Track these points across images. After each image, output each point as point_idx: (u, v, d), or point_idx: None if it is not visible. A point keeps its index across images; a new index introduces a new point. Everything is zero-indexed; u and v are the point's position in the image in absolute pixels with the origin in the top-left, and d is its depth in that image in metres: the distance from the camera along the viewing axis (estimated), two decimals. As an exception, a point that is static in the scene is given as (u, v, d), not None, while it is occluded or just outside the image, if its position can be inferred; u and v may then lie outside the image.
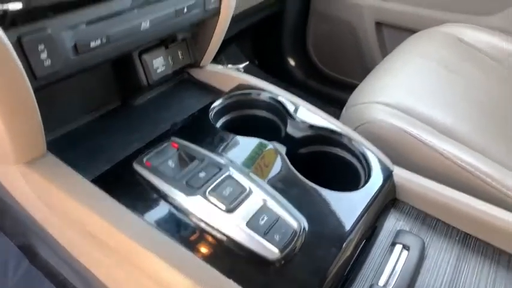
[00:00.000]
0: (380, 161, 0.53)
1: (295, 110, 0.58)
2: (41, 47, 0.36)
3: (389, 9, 1.12)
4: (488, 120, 0.69)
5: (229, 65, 1.41)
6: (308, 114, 0.58)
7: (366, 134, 0.59)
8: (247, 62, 1.43)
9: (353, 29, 1.20)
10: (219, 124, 0.59)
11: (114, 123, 0.56)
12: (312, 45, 1.34)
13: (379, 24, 1.16)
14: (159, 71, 0.58)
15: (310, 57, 1.35)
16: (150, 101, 0.60)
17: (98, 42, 0.41)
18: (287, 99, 0.60)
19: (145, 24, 0.46)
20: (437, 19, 1.04)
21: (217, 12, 0.57)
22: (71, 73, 0.41)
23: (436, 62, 0.79)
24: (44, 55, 0.37)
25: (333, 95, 1.33)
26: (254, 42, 1.38)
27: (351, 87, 1.28)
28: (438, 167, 0.56)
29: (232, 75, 0.64)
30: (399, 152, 0.58)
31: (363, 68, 1.26)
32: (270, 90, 0.61)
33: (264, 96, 0.60)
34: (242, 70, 1.44)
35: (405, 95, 0.68)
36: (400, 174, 0.53)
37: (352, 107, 0.67)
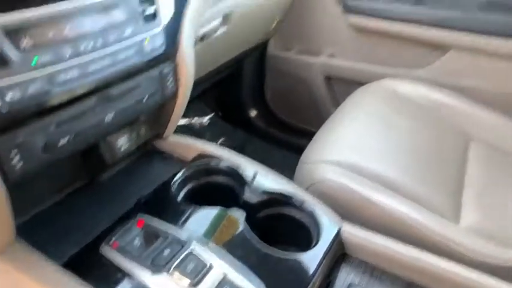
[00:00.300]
0: (329, 219, 0.59)
1: (252, 177, 0.64)
2: (14, 152, 0.40)
3: (336, 66, 1.24)
4: (425, 170, 0.77)
5: (196, 118, 1.48)
6: (263, 179, 0.64)
7: (317, 193, 0.65)
8: (212, 114, 1.50)
9: (306, 83, 1.31)
10: (183, 193, 0.64)
11: (82, 202, 0.59)
12: (270, 98, 1.44)
13: (328, 78, 1.27)
14: (123, 148, 0.63)
15: (269, 108, 1.44)
16: (116, 176, 0.64)
17: (66, 139, 0.46)
18: (244, 165, 0.66)
19: (109, 117, 0.51)
20: (377, 72, 1.16)
21: (175, 94, 0.63)
22: (40, 170, 0.45)
23: (377, 117, 0.89)
24: (16, 160, 0.41)
25: (292, 141, 1.41)
26: (217, 96, 1.47)
27: (309, 134, 1.39)
28: (384, 221, 0.63)
29: (193, 145, 0.70)
30: (348, 209, 0.64)
31: (318, 116, 1.36)
32: (227, 158, 0.67)
33: (223, 164, 0.66)
34: (207, 122, 1.52)
35: (351, 152, 0.76)
36: (349, 230, 0.59)
37: (305, 164, 0.74)
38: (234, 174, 0.64)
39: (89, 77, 0.46)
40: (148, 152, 0.70)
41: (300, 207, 0.60)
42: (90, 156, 0.61)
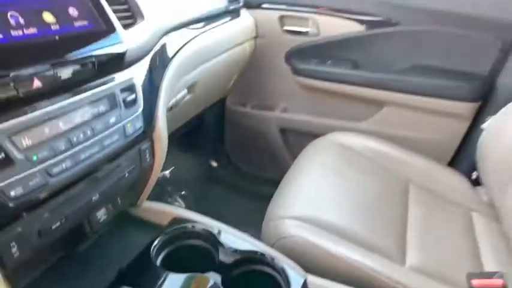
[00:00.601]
0: (295, 273, 0.66)
1: (224, 238, 0.70)
2: (12, 244, 0.44)
3: (289, 119, 1.37)
4: (373, 217, 0.88)
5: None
6: (234, 240, 0.70)
7: (283, 248, 0.73)
8: (173, 168, 1.54)
9: (263, 135, 1.42)
10: (161, 257, 0.68)
11: (61, 275, 0.62)
12: (230, 149, 1.53)
13: (283, 130, 1.40)
14: (101, 220, 0.67)
15: (229, 158, 1.53)
16: (93, 247, 0.68)
17: (58, 223, 0.50)
18: (216, 228, 0.72)
19: (95, 197, 0.56)
20: (326, 124, 1.31)
21: (151, 166, 0.69)
22: (34, 254, 0.49)
23: (328, 169, 1.00)
24: (14, 250, 0.44)
25: (252, 189, 1.50)
26: (179, 149, 1.52)
27: (268, 181, 1.48)
28: (341, 270, 0.71)
29: (167, 210, 0.75)
30: (311, 261, 0.72)
31: (276, 165, 1.47)
32: (201, 221, 0.73)
33: (198, 228, 0.71)
34: (169, 175, 1.56)
35: (309, 206, 0.85)
36: (313, 281, 0.67)
37: (269, 222, 0.82)
38: (209, 236, 0.70)
39: (80, 165, 0.51)
40: (123, 219, 0.74)
41: (269, 262, 0.67)
42: (69, 230, 0.64)
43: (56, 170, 0.48)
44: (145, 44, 0.68)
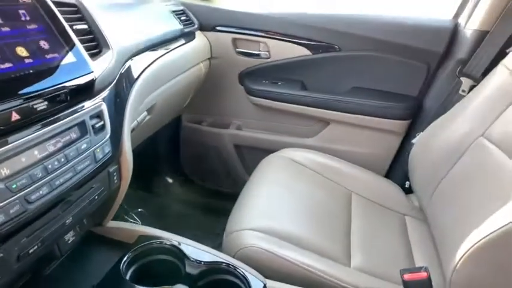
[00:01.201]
0: (255, 279, 0.73)
1: (189, 252, 0.75)
2: (-6, 269, 0.46)
3: (243, 136, 1.45)
4: (321, 224, 0.98)
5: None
6: (198, 252, 0.76)
7: (243, 258, 0.80)
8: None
9: (218, 151, 1.48)
10: (130, 273, 0.71)
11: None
12: (185, 164, 1.57)
13: (237, 146, 1.47)
14: (70, 241, 0.69)
15: (185, 174, 1.57)
16: (60, 267, 0.69)
17: (35, 247, 0.52)
18: (181, 242, 0.77)
19: (68, 220, 0.59)
20: (278, 141, 1.41)
21: (119, 187, 0.73)
22: (9, 278, 0.51)
23: (280, 184, 1.09)
24: (-5, 274, 0.47)
25: (209, 203, 1.55)
26: (134, 167, 1.54)
27: (223, 196, 1.54)
28: (295, 274, 0.80)
29: (131, 228, 0.79)
30: (270, 268, 0.80)
31: (230, 179, 1.54)
32: (165, 237, 0.78)
33: (164, 244, 0.76)
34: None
35: (264, 217, 0.93)
36: (273, 286, 0.74)
37: (230, 234, 0.88)
38: (175, 251, 0.75)
39: (56, 191, 0.54)
40: (89, 239, 0.77)
41: (233, 271, 0.74)
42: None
43: (34, 196, 0.51)
44: (112, 71, 0.72)
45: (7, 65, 0.50)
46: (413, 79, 1.30)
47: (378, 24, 1.28)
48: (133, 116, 0.84)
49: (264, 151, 1.34)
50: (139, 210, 1.47)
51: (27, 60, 0.53)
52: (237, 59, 1.40)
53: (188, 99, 1.40)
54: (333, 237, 0.96)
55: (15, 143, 0.50)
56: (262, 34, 1.35)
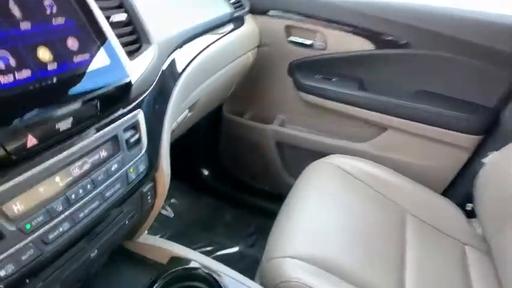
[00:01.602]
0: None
1: (225, 282, 0.66)
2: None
3: (287, 133, 1.33)
4: (372, 253, 0.87)
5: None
6: (235, 284, 0.67)
7: (284, 292, 0.70)
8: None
9: (258, 147, 1.37)
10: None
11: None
12: (224, 157, 1.48)
13: (279, 144, 1.35)
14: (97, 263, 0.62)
15: (222, 167, 1.48)
16: (89, 285, 0.62)
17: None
18: (217, 270, 0.68)
19: (93, 254, 0.50)
20: (325, 143, 1.27)
21: (152, 205, 0.64)
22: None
23: (326, 197, 0.97)
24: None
25: (244, 199, 1.46)
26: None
27: (260, 192, 1.45)
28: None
29: (164, 247, 0.71)
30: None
31: (270, 177, 1.43)
32: (200, 261, 0.69)
33: (200, 270, 0.67)
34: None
35: (308, 243, 0.82)
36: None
37: (270, 260, 0.79)
38: (210, 280, 0.66)
39: (78, 225, 0.46)
40: (118, 254, 0.69)
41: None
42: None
43: (52, 236, 0.42)
44: (152, 70, 0.62)
45: (25, 73, 0.40)
46: (491, 87, 1.10)
47: (455, 20, 1.09)
48: (174, 117, 0.74)
49: (308, 152, 1.23)
50: (172, 201, 1.42)
51: (50, 67, 0.43)
52: (288, 48, 1.26)
53: (231, 89, 1.28)
54: (385, 270, 0.84)
55: (32, 171, 0.40)
56: (320, 23, 1.19)
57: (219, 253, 1.24)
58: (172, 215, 1.37)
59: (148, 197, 0.61)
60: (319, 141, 1.29)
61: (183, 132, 1.11)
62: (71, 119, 0.43)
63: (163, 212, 1.36)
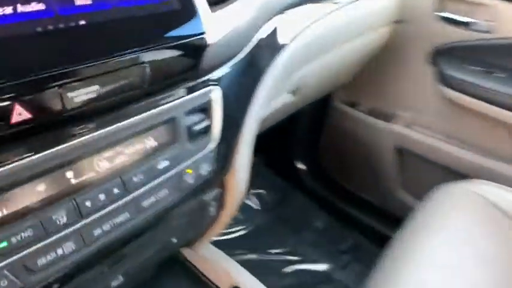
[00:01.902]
0: None
1: None
2: None
3: (413, 138, 1.03)
4: None
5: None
6: None
7: None
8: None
9: (370, 149, 1.12)
10: None
11: None
12: (324, 154, 1.26)
13: (400, 151, 1.07)
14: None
15: (320, 164, 1.27)
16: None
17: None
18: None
19: (116, 281, 0.35)
20: (467, 159, 0.95)
21: (216, 218, 0.47)
22: None
23: (461, 245, 0.69)
24: None
25: (338, 205, 1.24)
26: (263, 139, 1.31)
27: (363, 203, 1.20)
28: None
29: (228, 269, 0.54)
30: None
31: (377, 187, 1.17)
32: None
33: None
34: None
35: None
36: None
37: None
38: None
39: (91, 247, 0.31)
40: (172, 263, 0.55)
41: None
42: None
43: (40, 263, 0.28)
44: (242, 34, 0.43)
45: (35, 5, 0.25)
46: None
47: None
48: (266, 102, 0.55)
49: (438, 167, 0.93)
50: (259, 191, 1.27)
51: (79, 1, 0.28)
52: (435, 28, 0.94)
53: (352, 75, 1.04)
54: None
55: (24, 161, 0.26)
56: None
57: (300, 267, 1.04)
58: (259, 205, 1.23)
59: (211, 208, 0.43)
60: (457, 155, 0.96)
61: (278, 120, 0.92)
62: (101, 88, 0.28)
63: (248, 202, 1.22)
